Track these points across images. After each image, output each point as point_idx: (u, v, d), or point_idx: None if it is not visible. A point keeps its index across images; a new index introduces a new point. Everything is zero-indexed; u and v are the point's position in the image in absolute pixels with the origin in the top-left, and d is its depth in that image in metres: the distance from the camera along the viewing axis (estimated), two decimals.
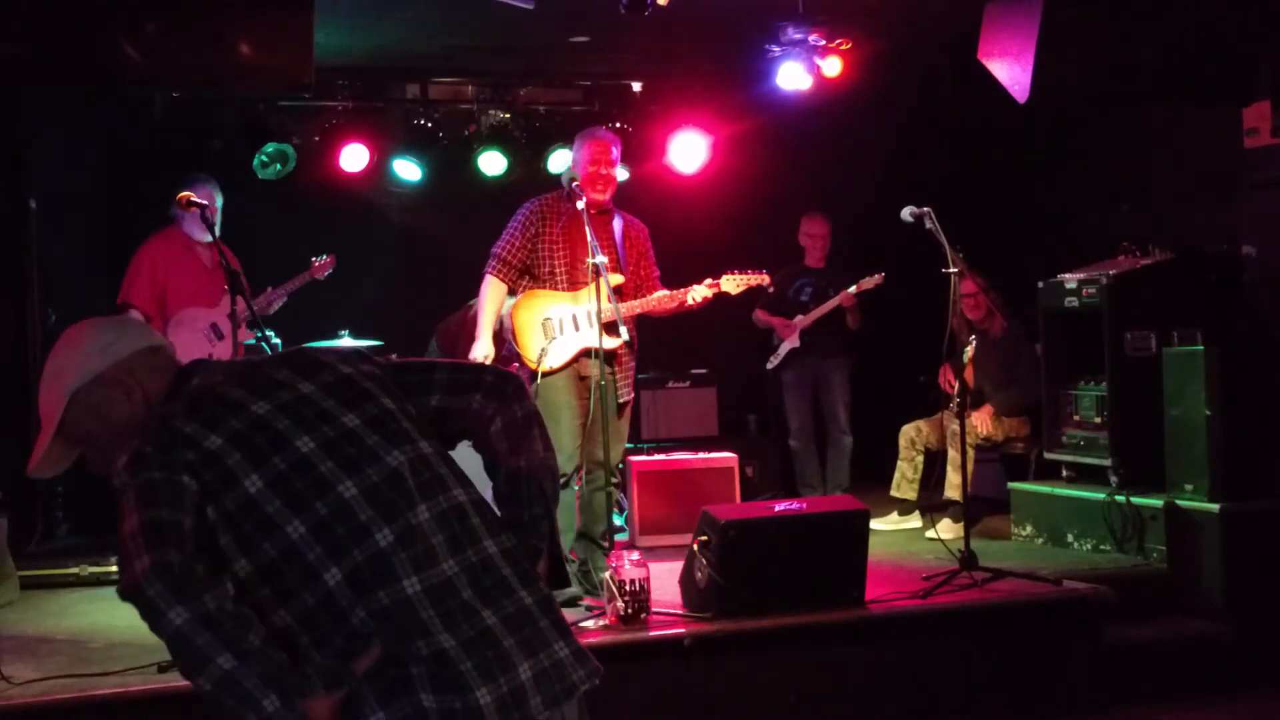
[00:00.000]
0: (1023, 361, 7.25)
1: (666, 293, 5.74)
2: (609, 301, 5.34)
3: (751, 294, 7.97)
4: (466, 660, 2.09)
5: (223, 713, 2.03)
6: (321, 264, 7.32)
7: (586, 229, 5.39)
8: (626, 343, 5.55)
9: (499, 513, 2.39)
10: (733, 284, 5.89)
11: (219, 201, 6.59)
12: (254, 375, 2.28)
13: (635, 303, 5.65)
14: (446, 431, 2.41)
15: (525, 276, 5.65)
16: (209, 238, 6.37)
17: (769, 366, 7.97)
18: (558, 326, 5.56)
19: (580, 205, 5.46)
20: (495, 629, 2.14)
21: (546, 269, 5.59)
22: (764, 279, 5.98)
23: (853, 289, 7.55)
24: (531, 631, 2.18)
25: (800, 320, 7.77)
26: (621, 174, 8.84)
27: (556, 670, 2.17)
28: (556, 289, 5.58)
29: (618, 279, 5.59)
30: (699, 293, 5.74)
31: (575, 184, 5.53)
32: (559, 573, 2.43)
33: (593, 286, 5.38)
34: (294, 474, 2.14)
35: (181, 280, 6.75)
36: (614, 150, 5.69)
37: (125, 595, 2.05)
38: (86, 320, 2.37)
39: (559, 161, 8.34)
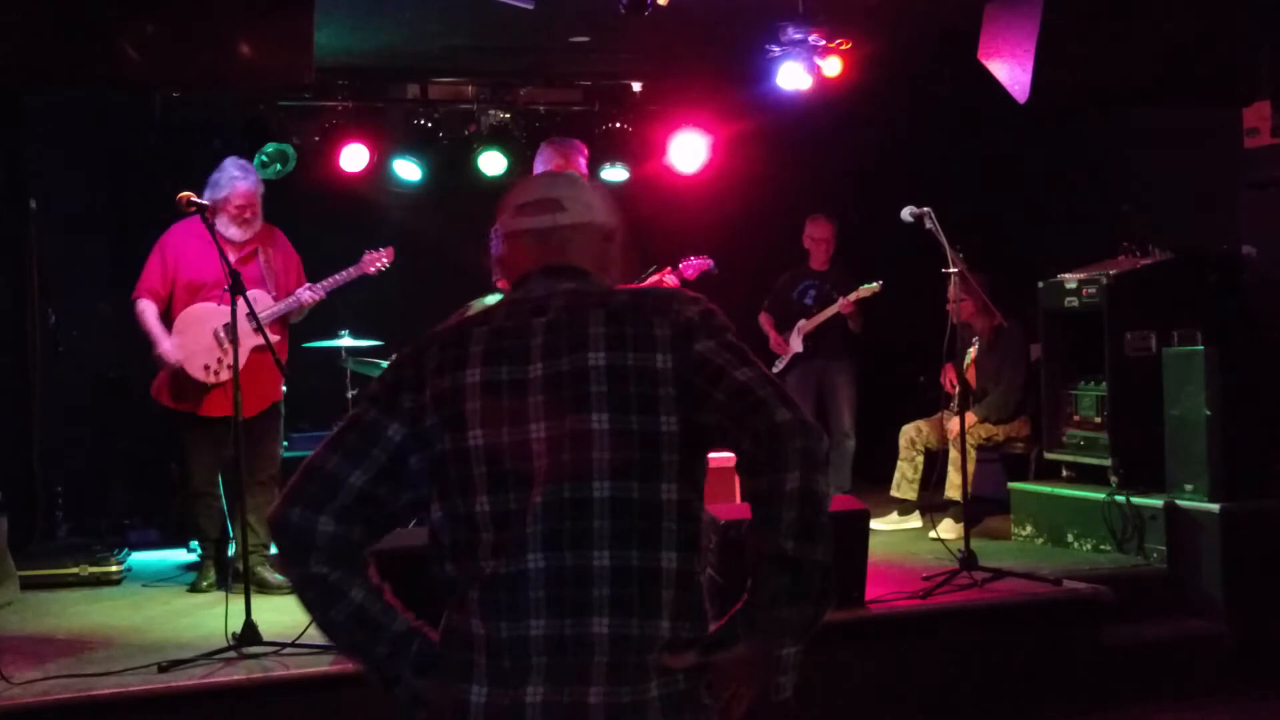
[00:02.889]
0: (1008, 363, 7.23)
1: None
2: None
3: (756, 294, 8.06)
4: (496, 657, 2.02)
5: None
6: (373, 256, 6.29)
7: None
8: None
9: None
10: (688, 271, 6.43)
11: (261, 188, 6.05)
12: (519, 323, 2.13)
13: None
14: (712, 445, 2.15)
15: None
16: (241, 236, 5.99)
17: (774, 369, 7.97)
18: None
19: None
20: (537, 640, 2.00)
21: None
22: (709, 262, 6.51)
23: (851, 297, 7.55)
24: (576, 661, 2.00)
25: (802, 325, 7.79)
26: (621, 174, 8.92)
27: (576, 710, 1.99)
28: None
29: None
30: (668, 283, 6.17)
31: None
32: None
33: None
34: (462, 453, 2.07)
35: (192, 273, 5.97)
36: None
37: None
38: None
39: None
